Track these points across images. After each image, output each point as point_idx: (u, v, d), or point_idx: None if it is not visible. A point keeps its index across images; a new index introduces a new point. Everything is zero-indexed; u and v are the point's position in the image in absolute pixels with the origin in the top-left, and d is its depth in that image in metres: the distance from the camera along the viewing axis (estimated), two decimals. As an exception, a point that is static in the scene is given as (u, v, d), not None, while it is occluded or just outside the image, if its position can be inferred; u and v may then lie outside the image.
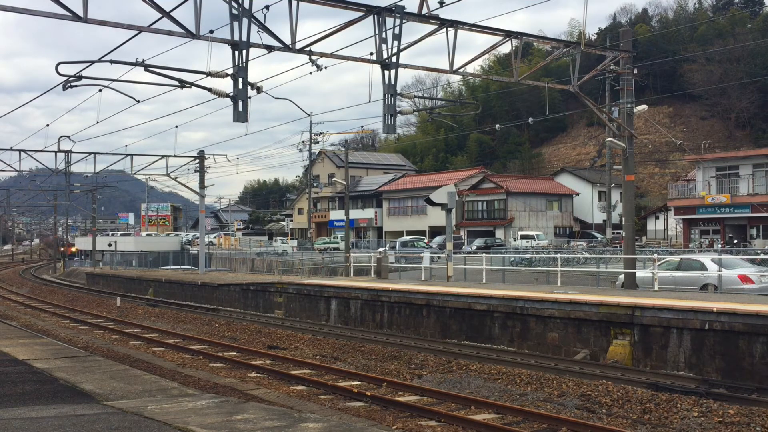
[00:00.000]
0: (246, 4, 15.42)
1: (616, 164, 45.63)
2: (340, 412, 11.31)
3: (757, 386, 13.12)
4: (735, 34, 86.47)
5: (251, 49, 15.77)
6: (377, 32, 17.11)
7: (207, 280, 35.11)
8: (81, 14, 14.45)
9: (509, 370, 14.68)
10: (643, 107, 27.04)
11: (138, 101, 20.74)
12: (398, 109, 18.48)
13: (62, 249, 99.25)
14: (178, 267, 54.31)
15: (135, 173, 42.14)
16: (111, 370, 10.79)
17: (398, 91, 17.88)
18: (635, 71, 23.74)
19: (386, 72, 17.38)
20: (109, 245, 66.58)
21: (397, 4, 17.09)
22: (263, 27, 15.92)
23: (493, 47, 21.01)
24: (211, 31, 16.06)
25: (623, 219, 24.07)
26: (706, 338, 14.55)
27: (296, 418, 7.64)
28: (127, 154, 39.36)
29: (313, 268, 43.77)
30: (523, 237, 58.59)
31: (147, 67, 17.51)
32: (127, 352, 18.34)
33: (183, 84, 18.49)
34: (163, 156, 39.93)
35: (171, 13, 15.25)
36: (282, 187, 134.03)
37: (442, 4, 17.54)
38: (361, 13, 17.12)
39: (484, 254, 30.76)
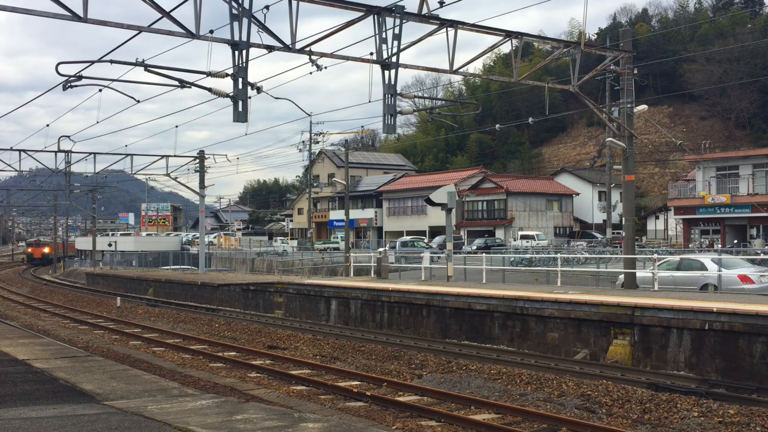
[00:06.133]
0: (246, 4, 15.42)
1: (616, 164, 45.65)
2: (340, 412, 11.30)
3: (757, 386, 13.11)
4: (735, 34, 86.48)
5: (252, 49, 15.78)
6: (377, 32, 17.10)
7: (207, 280, 35.11)
8: (81, 14, 14.44)
9: (509, 370, 14.68)
10: (643, 107, 27.04)
11: (138, 101, 20.73)
12: (398, 109, 18.49)
13: (30, 250, 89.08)
14: (178, 267, 54.28)
15: (135, 173, 42.16)
16: (111, 370, 10.79)
17: (398, 91, 17.88)
18: (635, 71, 23.74)
19: (386, 72, 17.38)
20: (109, 245, 66.53)
21: (397, 4, 17.09)
22: (263, 27, 15.92)
23: (493, 47, 21.02)
24: (211, 31, 16.06)
25: (623, 219, 24.07)
26: (706, 338, 14.55)
27: (296, 418, 7.64)
28: (127, 154, 39.39)
29: (313, 268, 43.76)
30: (523, 237, 58.59)
31: (147, 67, 17.51)
32: (127, 352, 18.34)
33: (183, 84, 18.49)
34: (163, 156, 39.96)
35: (171, 13, 15.25)
36: (282, 187, 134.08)
37: (442, 4, 17.54)
38: (361, 13, 17.11)
39: (484, 254, 30.74)
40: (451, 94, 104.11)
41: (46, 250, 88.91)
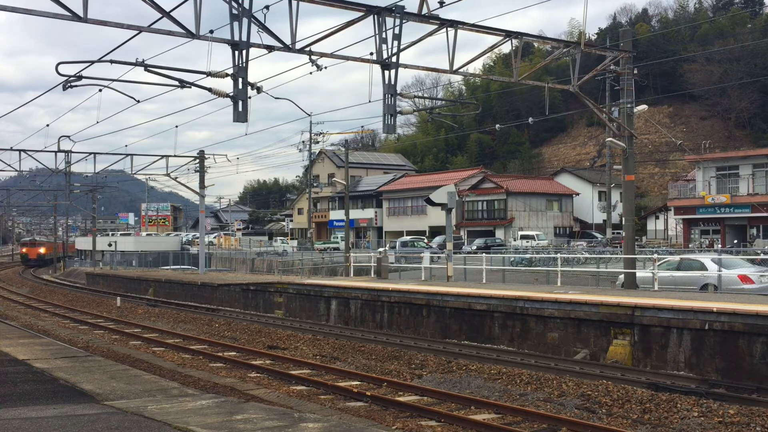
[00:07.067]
0: (246, 4, 15.42)
1: (616, 164, 45.64)
2: (340, 412, 11.30)
3: (757, 386, 13.11)
4: (735, 34, 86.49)
5: (252, 49, 15.78)
6: (377, 32, 17.10)
7: (207, 280, 35.11)
8: (81, 14, 14.44)
9: (509, 370, 14.68)
10: (643, 107, 27.04)
11: (138, 101, 20.73)
12: (398, 109, 18.49)
13: (24, 251, 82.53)
14: (178, 267, 54.28)
15: (135, 173, 42.17)
16: (111, 370, 10.79)
17: (398, 91, 17.88)
18: (635, 71, 23.74)
19: (386, 72, 17.38)
20: (109, 245, 66.52)
21: (397, 4, 17.09)
22: (263, 27, 15.92)
23: (493, 47, 21.02)
24: (211, 31, 16.06)
25: (623, 219, 24.07)
26: (706, 338, 14.55)
27: (296, 418, 7.64)
28: (127, 154, 39.41)
29: (313, 268, 43.76)
30: (523, 237, 58.59)
31: (147, 67, 17.50)
32: (127, 352, 18.34)
33: (183, 84, 18.49)
34: (163, 156, 39.97)
35: (171, 13, 15.25)
36: (282, 187, 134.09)
37: (442, 4, 17.54)
38: (361, 13, 17.11)
39: (484, 254, 30.74)
40: (451, 94, 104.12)
41: (42, 250, 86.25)
